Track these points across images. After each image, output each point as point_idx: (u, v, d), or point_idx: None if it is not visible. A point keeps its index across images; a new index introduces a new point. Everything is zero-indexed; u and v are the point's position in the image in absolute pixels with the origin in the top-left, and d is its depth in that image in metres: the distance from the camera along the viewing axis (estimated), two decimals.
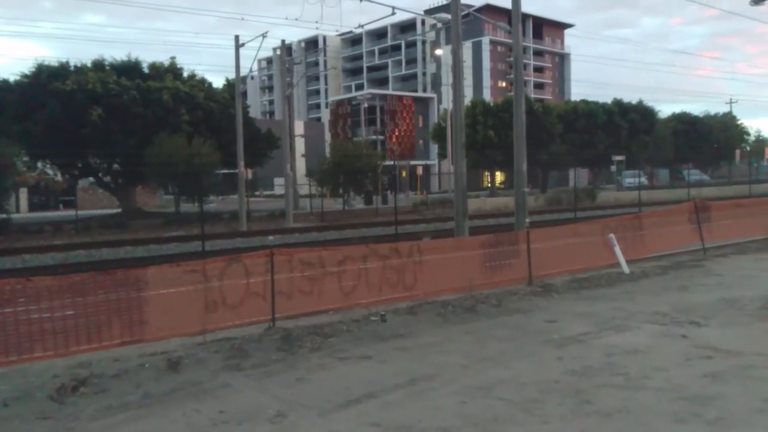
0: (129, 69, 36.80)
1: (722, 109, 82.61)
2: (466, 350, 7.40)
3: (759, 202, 19.60)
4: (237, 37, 31.79)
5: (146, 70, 37.68)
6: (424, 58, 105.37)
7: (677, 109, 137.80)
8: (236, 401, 5.89)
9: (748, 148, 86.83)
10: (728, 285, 11.07)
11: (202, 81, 39.62)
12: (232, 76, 36.99)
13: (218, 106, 37.90)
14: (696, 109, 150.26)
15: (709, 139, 70.88)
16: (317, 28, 36.49)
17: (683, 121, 70.62)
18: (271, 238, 9.84)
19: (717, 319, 8.59)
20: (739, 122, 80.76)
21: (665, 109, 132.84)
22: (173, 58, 39.09)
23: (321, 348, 7.61)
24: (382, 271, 9.62)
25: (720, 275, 12.15)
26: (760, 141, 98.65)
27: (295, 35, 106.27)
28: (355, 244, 12.05)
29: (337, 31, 37.58)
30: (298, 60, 56.57)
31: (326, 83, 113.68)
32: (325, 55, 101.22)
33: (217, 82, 61.58)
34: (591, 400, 5.58)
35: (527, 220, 15.07)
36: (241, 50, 31.89)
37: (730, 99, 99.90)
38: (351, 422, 5.29)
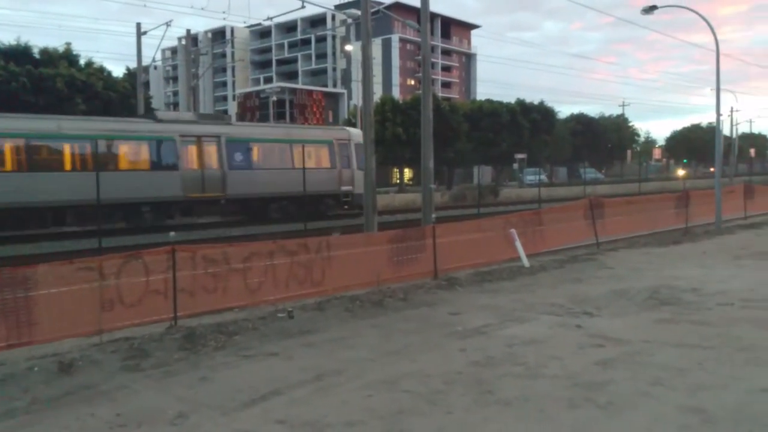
0: (18, 54, 34.40)
1: (616, 111, 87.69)
2: (373, 344, 7.46)
3: (647, 200, 20.97)
4: (139, 25, 30.52)
5: (38, 56, 35.37)
6: (334, 54, 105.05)
7: (575, 110, 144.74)
8: (135, 403, 5.66)
9: (638, 149, 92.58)
10: (619, 277, 11.76)
11: (101, 69, 37.66)
12: (133, 65, 35.44)
13: (118, 96, 36.17)
14: (592, 110, 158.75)
15: (603, 140, 75.00)
16: (224, 19, 35.55)
17: (580, 121, 74.28)
18: (172, 233, 9.47)
19: (608, 309, 9.10)
20: (630, 124, 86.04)
21: (564, 110, 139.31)
22: (68, 44, 36.83)
23: (225, 346, 7.44)
24: (289, 267, 9.53)
25: (611, 268, 12.88)
26: (649, 142, 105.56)
27: (201, 25, 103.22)
28: (263, 239, 11.86)
29: (245, 22, 36.79)
30: (204, 51, 54.87)
31: (234, 75, 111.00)
32: (232, 46, 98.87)
33: (118, 71, 58.80)
34: (492, 389, 5.77)
35: (433, 215, 15.36)
36: (144, 39, 30.65)
37: (623, 102, 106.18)
38: (256, 420, 5.20)
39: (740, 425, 4.89)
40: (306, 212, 20.01)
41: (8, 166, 19.25)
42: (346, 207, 26.37)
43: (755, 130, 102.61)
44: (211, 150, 23.10)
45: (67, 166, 20.45)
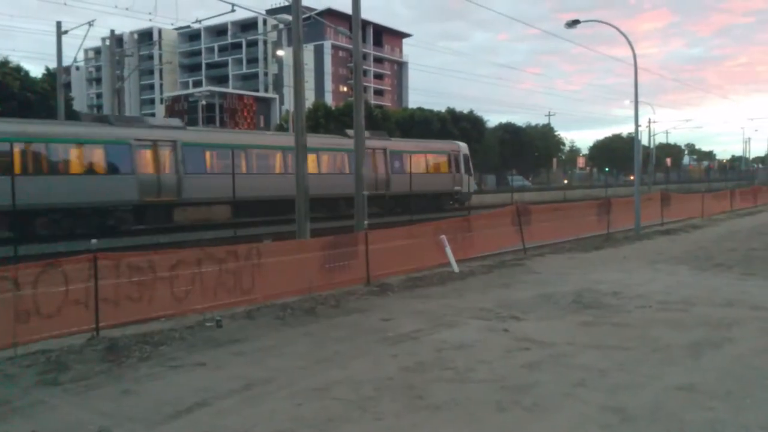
0: None
1: (542, 120, 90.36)
2: (304, 352, 7.40)
3: (572, 207, 21.73)
4: (59, 24, 29.28)
5: None
6: (266, 58, 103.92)
7: (503, 119, 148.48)
8: (52, 419, 5.40)
9: (563, 157, 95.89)
10: (545, 282, 12.11)
11: (18, 69, 35.93)
12: (53, 65, 33.92)
13: (37, 97, 34.57)
14: (519, 119, 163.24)
15: (530, 148, 77.23)
16: (150, 20, 34.59)
17: (508, 131, 76.25)
18: (94, 241, 9.08)
19: (535, 313, 9.36)
20: (556, 133, 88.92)
21: (493, 119, 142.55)
22: None
23: (151, 357, 7.21)
24: (218, 275, 9.34)
25: (538, 273, 13.26)
26: (573, 151, 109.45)
27: (126, 26, 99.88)
28: (190, 247, 11.56)
29: (172, 24, 35.79)
30: (129, 52, 53.15)
31: (161, 78, 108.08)
32: (160, 48, 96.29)
33: (36, 71, 56.07)
34: (422, 394, 5.82)
35: (366, 222, 15.40)
36: (65, 38, 29.43)
37: (549, 112, 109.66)
38: None
39: (656, 423, 5.12)
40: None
41: None
42: (451, 203, 33.31)
43: (671, 141, 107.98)
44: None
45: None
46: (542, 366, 6.67)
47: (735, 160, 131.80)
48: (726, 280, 12.12)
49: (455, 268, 13.30)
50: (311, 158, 24.05)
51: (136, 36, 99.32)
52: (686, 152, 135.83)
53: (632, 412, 5.32)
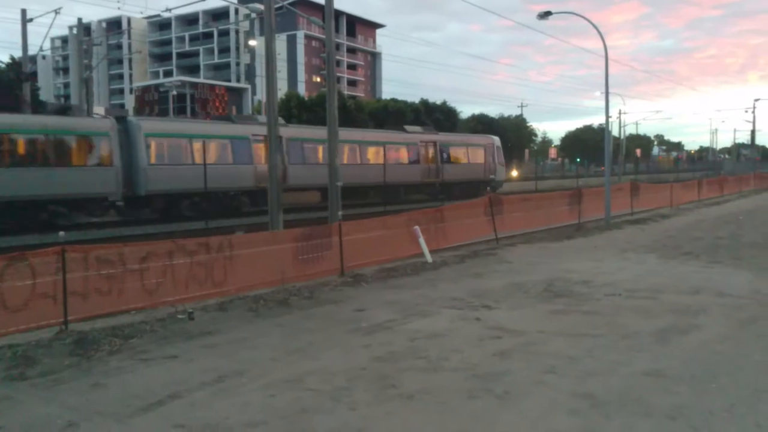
0: None
1: (515, 111, 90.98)
2: (277, 344, 7.38)
3: (543, 197, 21.93)
4: (24, 11, 28.59)
5: None
6: (237, 48, 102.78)
7: (476, 110, 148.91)
8: (19, 414, 5.31)
9: (535, 148, 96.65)
10: (516, 271, 12.24)
11: None
12: (18, 53, 33.13)
13: (1, 86, 33.73)
14: (492, 110, 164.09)
15: (503, 139, 77.60)
16: (119, 8, 33.95)
17: (482, 122, 76.54)
18: (61, 233, 8.94)
19: (506, 302, 9.46)
20: (528, 125, 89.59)
21: (466, 110, 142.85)
22: None
23: (121, 350, 7.13)
24: (189, 267, 9.25)
25: (510, 262, 13.39)
26: (545, 142, 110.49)
27: (94, 14, 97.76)
28: (162, 239, 11.42)
29: (141, 13, 35.10)
30: (98, 41, 52.10)
31: (131, 68, 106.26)
32: (129, 37, 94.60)
33: (1, 59, 54.70)
34: (395, 384, 5.85)
35: (340, 213, 15.37)
36: (30, 26, 28.77)
37: (521, 103, 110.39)
38: (153, 426, 5.02)
39: (624, 407, 5.23)
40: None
41: None
42: (488, 189, 34.07)
43: (641, 132, 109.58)
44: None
45: None
46: (513, 354, 6.75)
47: (703, 151, 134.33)
48: (693, 268, 12.37)
49: (428, 258, 13.36)
50: (376, 150, 30.73)
51: (104, 24, 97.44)
52: (656, 143, 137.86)
53: (601, 397, 5.42)
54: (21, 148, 20.11)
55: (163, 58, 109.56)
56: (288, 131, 26.86)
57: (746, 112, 69.88)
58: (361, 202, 27.64)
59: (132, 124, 23.20)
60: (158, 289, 8.90)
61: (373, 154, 31.00)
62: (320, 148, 27.11)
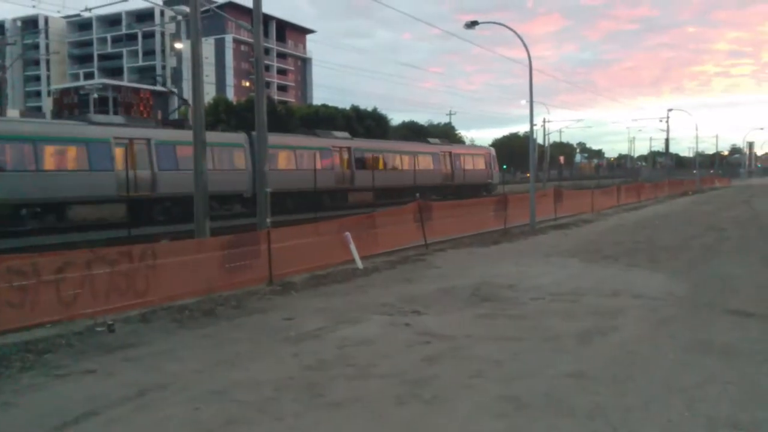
0: None
1: (444, 119, 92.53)
2: (203, 355, 7.18)
3: (471, 203, 22.34)
4: None
5: None
6: (163, 51, 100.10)
7: (406, 117, 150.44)
8: None
9: None
10: (445, 276, 12.40)
11: None
12: None
13: None
14: (422, 118, 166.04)
15: None
16: (34, 6, 32.39)
17: (411, 129, 77.46)
18: None
19: (435, 307, 9.56)
20: (457, 132, 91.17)
21: (397, 117, 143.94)
22: None
23: (34, 366, 6.76)
24: (109, 278, 8.89)
25: (439, 267, 13.55)
26: None
27: (8, 11, 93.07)
28: (81, 248, 10.96)
29: (59, 12, 33.52)
30: (12, 40, 49.64)
31: (48, 69, 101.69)
32: (47, 37, 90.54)
33: None
34: (324, 392, 5.80)
35: (268, 220, 15.16)
36: None
37: (450, 111, 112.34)
38: None
39: (548, 409, 5.36)
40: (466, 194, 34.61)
41: None
42: (484, 193, 40.81)
43: (565, 140, 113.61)
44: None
45: None
46: (441, 359, 6.82)
47: (622, 159, 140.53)
48: (613, 271, 12.87)
49: (360, 264, 13.36)
50: (409, 159, 38.83)
51: (19, 23, 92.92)
52: (578, 150, 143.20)
53: (526, 400, 5.54)
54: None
55: (83, 59, 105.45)
56: (356, 143, 36.01)
57: (660, 121, 73.46)
58: (399, 201, 30.62)
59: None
60: (76, 300, 8.52)
61: (407, 162, 39.00)
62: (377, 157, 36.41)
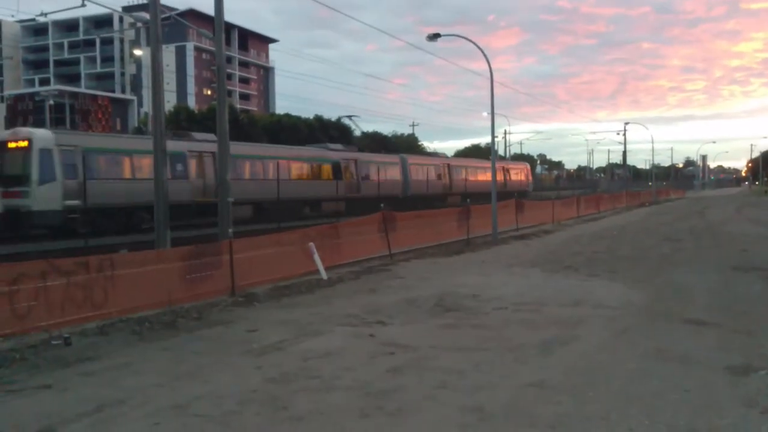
0: None
1: (407, 130, 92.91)
2: (163, 368, 7.03)
3: (434, 214, 22.48)
4: None
5: None
6: (122, 57, 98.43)
7: (370, 128, 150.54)
8: None
9: None
10: (409, 286, 12.42)
11: None
12: None
13: None
14: (385, 128, 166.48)
15: None
16: None
17: (375, 139, 77.36)
18: None
19: (399, 317, 9.56)
20: (420, 143, 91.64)
21: (360, 127, 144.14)
22: None
23: None
24: (65, 289, 8.66)
25: (403, 278, 13.58)
26: None
27: None
28: (35, 259, 10.66)
29: (13, 16, 32.61)
30: None
31: (1, 74, 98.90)
32: (0, 41, 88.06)
33: None
34: (287, 405, 5.73)
35: (230, 230, 14.97)
36: None
37: (413, 122, 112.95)
38: None
39: (510, 419, 5.40)
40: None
41: None
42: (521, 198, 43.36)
43: (525, 151, 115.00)
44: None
45: None
46: (405, 370, 6.81)
47: (581, 170, 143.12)
48: (573, 281, 13.08)
49: (324, 275, 13.29)
50: (485, 172, 48.72)
51: None
52: (539, 162, 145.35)
53: (489, 410, 5.57)
54: (309, 170, 34.44)
55: (38, 65, 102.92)
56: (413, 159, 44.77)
57: (618, 134, 75.33)
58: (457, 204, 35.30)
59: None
60: (30, 313, 8.26)
61: (483, 175, 49.49)
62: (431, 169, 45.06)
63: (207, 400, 5.92)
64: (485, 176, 48.20)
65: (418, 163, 44.46)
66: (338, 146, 39.97)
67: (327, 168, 35.58)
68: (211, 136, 27.35)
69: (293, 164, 33.00)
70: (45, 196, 21.53)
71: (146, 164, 22.65)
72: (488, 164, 48.55)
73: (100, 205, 22.52)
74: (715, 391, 6.05)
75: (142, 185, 21.99)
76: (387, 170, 39.55)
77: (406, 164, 42.18)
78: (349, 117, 54.15)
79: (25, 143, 22.13)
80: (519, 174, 58.88)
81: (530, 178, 62.56)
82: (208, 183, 27.15)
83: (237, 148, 25.99)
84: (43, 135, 22.89)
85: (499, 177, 49.51)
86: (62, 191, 21.82)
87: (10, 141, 22.70)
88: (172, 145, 22.06)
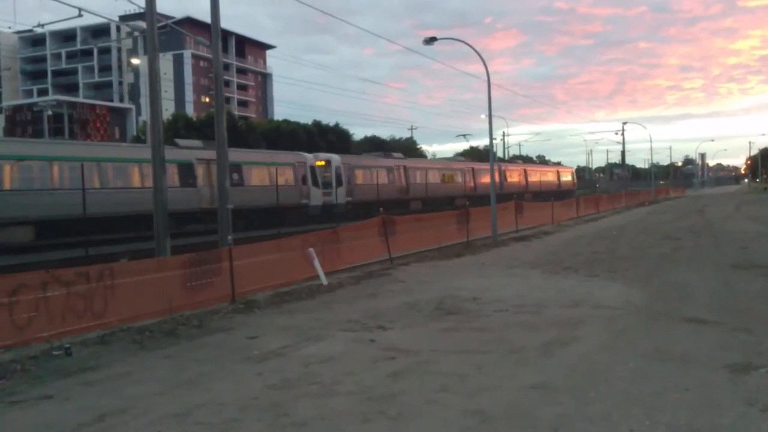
0: None
1: (405, 134, 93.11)
2: (164, 377, 7.04)
3: (434, 217, 22.49)
4: None
5: None
6: (120, 67, 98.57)
7: (368, 132, 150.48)
8: None
9: None
10: (410, 290, 12.43)
11: None
12: None
13: None
14: (384, 133, 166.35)
15: None
16: None
17: (373, 143, 77.56)
18: None
19: (400, 321, 9.57)
20: (418, 146, 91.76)
21: (359, 132, 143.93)
22: None
23: None
24: (66, 299, 8.67)
25: (403, 282, 13.58)
26: None
27: None
28: (34, 269, 10.68)
29: (10, 27, 32.69)
30: None
31: (0, 85, 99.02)
32: None
33: None
34: (288, 412, 5.74)
35: (230, 237, 14.97)
36: None
37: (411, 126, 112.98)
38: None
39: (512, 421, 5.40)
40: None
41: None
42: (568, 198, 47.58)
43: (524, 153, 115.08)
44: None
45: None
46: (406, 374, 6.81)
47: (580, 170, 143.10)
48: (573, 282, 13.08)
49: (324, 280, 13.29)
50: (541, 173, 64.54)
51: None
52: (538, 163, 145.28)
53: (490, 413, 5.58)
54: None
55: (37, 75, 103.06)
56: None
57: (616, 134, 75.42)
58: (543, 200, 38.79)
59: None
60: (31, 323, 8.27)
61: (537, 175, 61.40)
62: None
63: (208, 407, 5.92)
64: (540, 176, 62.07)
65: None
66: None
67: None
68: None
69: None
70: (341, 194, 34.28)
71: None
72: (551, 168, 71.19)
73: (362, 201, 34.89)
74: (716, 390, 6.05)
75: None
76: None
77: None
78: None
79: (323, 163, 34.31)
80: (566, 176, 71.75)
81: (575, 179, 75.30)
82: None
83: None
84: (335, 158, 35.69)
85: (557, 179, 66.56)
86: (345, 191, 34.79)
87: (318, 161, 34.10)
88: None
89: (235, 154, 25.49)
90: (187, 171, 25.91)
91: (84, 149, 25.05)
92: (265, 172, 30.04)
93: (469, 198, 34.99)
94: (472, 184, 47.76)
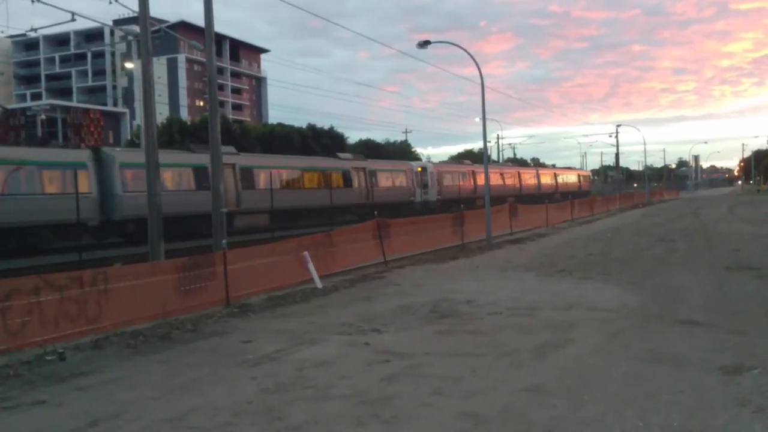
0: None
1: (400, 137, 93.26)
2: (157, 381, 7.02)
3: (428, 220, 22.53)
4: None
5: None
6: (114, 71, 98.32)
7: (363, 135, 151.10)
8: None
9: None
10: (404, 293, 12.43)
11: None
12: None
13: None
14: (378, 136, 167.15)
15: None
16: None
17: (368, 146, 77.56)
18: None
19: (395, 325, 9.56)
20: (413, 149, 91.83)
21: (353, 136, 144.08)
22: None
23: None
24: (59, 304, 8.63)
25: (398, 285, 13.58)
26: None
27: None
28: (27, 274, 10.67)
29: (3, 32, 32.55)
30: None
31: None
32: None
33: None
34: (282, 416, 5.73)
35: (224, 241, 14.95)
36: None
37: (406, 129, 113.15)
38: None
39: (506, 424, 5.41)
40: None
41: None
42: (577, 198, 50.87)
43: (519, 156, 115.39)
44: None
45: None
46: (401, 377, 6.81)
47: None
48: (567, 284, 13.10)
49: (318, 284, 13.29)
50: (564, 176, 71.42)
51: None
52: (532, 166, 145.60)
53: (485, 416, 5.58)
54: None
55: (30, 80, 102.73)
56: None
57: (610, 136, 75.80)
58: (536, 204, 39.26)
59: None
60: (23, 329, 8.24)
61: (563, 178, 69.14)
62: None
63: (202, 412, 5.91)
64: (563, 178, 68.19)
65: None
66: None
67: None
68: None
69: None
70: (433, 193, 43.04)
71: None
72: (572, 172, 75.84)
73: (447, 199, 43.02)
74: (709, 392, 6.07)
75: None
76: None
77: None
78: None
79: (420, 169, 43.18)
80: (584, 179, 78.37)
81: (590, 182, 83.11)
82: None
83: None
84: (429, 165, 45.89)
85: (579, 182, 72.99)
86: (436, 191, 43.74)
87: (418, 168, 43.06)
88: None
89: (371, 164, 39.16)
90: (345, 178, 35.65)
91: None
92: (389, 177, 40.03)
93: (515, 197, 44.98)
94: (518, 185, 55.84)
